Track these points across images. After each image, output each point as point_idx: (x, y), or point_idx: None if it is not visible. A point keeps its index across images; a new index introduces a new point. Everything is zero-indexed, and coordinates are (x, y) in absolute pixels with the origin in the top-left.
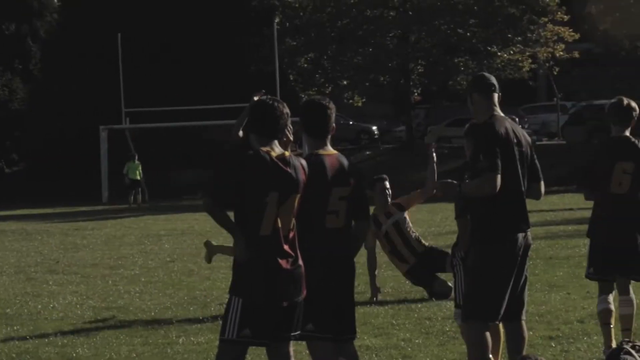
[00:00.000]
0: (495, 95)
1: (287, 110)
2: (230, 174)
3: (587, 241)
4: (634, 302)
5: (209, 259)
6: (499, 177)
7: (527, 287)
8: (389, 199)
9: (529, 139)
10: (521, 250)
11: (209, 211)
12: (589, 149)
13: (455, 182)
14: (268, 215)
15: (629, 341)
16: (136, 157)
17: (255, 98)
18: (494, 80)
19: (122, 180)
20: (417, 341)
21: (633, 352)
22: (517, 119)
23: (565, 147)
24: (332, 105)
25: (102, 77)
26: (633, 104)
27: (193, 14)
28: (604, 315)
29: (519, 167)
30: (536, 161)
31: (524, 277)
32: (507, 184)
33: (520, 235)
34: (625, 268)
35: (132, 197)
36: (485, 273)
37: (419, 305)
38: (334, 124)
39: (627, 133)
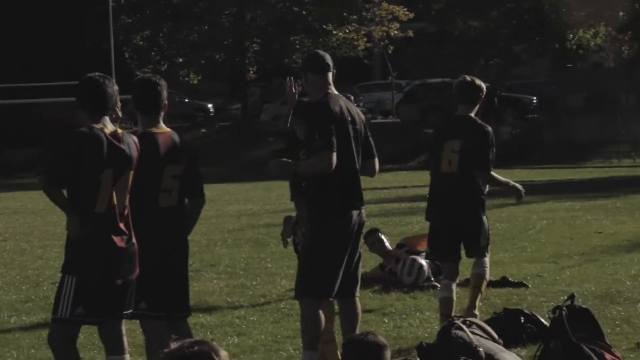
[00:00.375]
0: (330, 74)
1: (115, 87)
2: (64, 152)
3: (421, 218)
4: (485, 271)
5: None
6: (334, 155)
7: (360, 264)
8: (388, 246)
9: (362, 116)
10: (355, 228)
11: (44, 189)
12: (422, 127)
13: (290, 160)
14: (103, 192)
15: (460, 316)
16: None
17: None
18: (328, 58)
19: None
20: (252, 318)
21: (464, 327)
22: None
23: (400, 125)
24: (162, 82)
25: None
26: (479, 82)
27: None
28: (444, 304)
29: (353, 145)
30: (370, 139)
31: (357, 254)
32: (341, 162)
33: (355, 213)
34: (456, 250)
35: None
36: (319, 250)
37: (254, 283)
38: (165, 101)
39: (472, 113)
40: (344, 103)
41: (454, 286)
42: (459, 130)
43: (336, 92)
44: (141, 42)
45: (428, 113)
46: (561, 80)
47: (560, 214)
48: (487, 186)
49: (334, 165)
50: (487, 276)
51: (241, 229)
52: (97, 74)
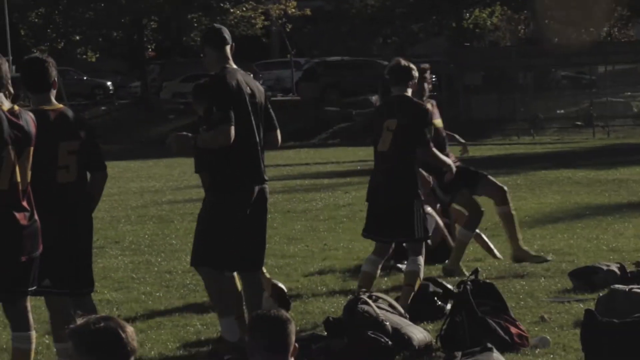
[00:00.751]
0: (227, 48)
1: (6, 64)
2: None
3: (324, 195)
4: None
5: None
6: (232, 128)
7: (264, 240)
8: None
9: (262, 90)
10: (257, 203)
11: None
12: (323, 105)
13: (189, 134)
14: (5, 169)
15: (366, 291)
16: None
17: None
18: (225, 32)
19: None
20: (157, 294)
21: (370, 301)
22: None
23: (300, 103)
24: (50, 60)
25: None
26: (411, 65)
27: None
28: (364, 278)
29: (252, 118)
30: (271, 111)
31: (260, 230)
32: (240, 136)
33: (256, 188)
34: (386, 230)
35: None
36: (216, 222)
37: (159, 259)
38: (55, 79)
39: (408, 93)
40: (241, 77)
41: (378, 263)
42: (395, 110)
43: (234, 66)
44: (37, 20)
45: (327, 91)
46: (458, 59)
47: None
48: (432, 180)
49: (232, 138)
50: (421, 274)
51: (144, 206)
52: None
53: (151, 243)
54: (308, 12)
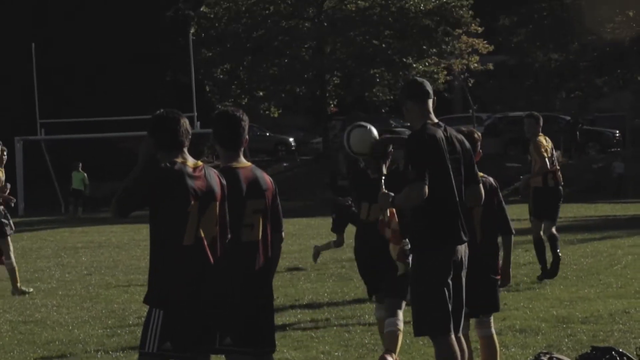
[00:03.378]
0: (430, 101)
1: (186, 120)
2: (144, 186)
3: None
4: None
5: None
6: (425, 187)
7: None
8: None
9: (467, 144)
10: (458, 262)
11: (113, 211)
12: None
13: (390, 193)
14: (190, 225)
15: (546, 352)
16: (80, 166)
17: None
18: (427, 85)
19: (38, 190)
20: (336, 354)
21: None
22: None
23: (482, 159)
24: (245, 117)
25: (17, 88)
26: None
27: (109, 24)
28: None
29: (452, 175)
30: (474, 165)
31: (461, 293)
32: (440, 193)
33: (459, 248)
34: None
35: (72, 207)
36: (424, 283)
37: (338, 318)
38: (247, 136)
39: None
40: (442, 132)
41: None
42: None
43: (436, 120)
44: (222, 76)
45: (510, 146)
46: None
47: None
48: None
49: (424, 197)
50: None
51: (324, 263)
52: (166, 110)
53: (330, 301)
54: (490, 66)
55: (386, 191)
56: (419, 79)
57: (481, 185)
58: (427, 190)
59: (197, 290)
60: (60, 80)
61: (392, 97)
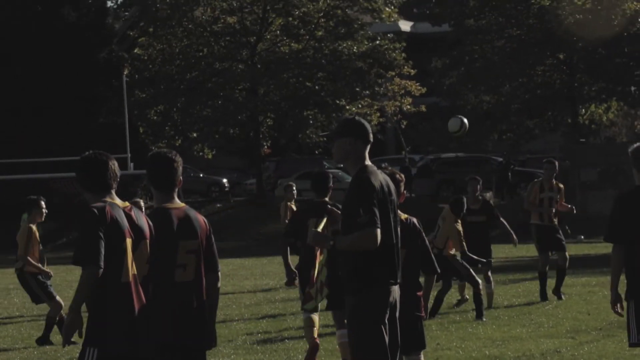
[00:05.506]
0: (368, 146)
1: (114, 162)
2: (98, 233)
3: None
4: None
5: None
6: (379, 231)
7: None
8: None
9: (393, 187)
10: (393, 303)
11: (94, 281)
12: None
13: (327, 235)
14: (126, 262)
15: None
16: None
17: None
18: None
19: None
20: None
21: None
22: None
23: (414, 200)
24: (178, 158)
25: None
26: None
27: (44, 66)
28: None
29: (392, 218)
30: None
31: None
32: (382, 236)
33: (394, 288)
34: None
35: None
36: (368, 321)
37: (272, 359)
38: (180, 177)
39: None
40: (381, 175)
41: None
42: None
43: (371, 164)
44: (155, 117)
45: (442, 187)
46: (575, 155)
47: (577, 289)
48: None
49: (378, 242)
50: None
51: (258, 304)
52: (94, 152)
53: (264, 341)
54: (423, 108)
55: (323, 232)
56: (360, 119)
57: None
58: (379, 235)
59: (133, 329)
60: None
61: (325, 139)
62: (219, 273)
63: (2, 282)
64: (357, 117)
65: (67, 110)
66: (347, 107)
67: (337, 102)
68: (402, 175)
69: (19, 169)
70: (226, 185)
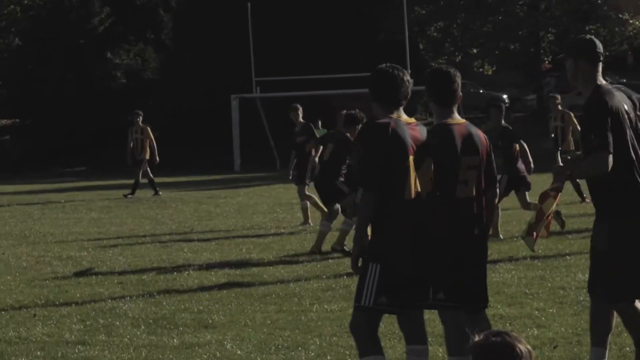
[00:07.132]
0: (600, 64)
1: (407, 77)
2: (377, 151)
3: None
4: None
5: None
6: (610, 156)
7: None
8: None
9: (637, 103)
10: None
11: (371, 204)
12: None
13: (564, 167)
14: (409, 180)
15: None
16: (319, 123)
17: None
18: (601, 47)
19: (253, 147)
20: (550, 310)
21: None
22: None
23: None
24: (458, 74)
25: (232, 47)
26: None
27: None
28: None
29: (629, 139)
30: None
31: None
32: (622, 159)
33: None
34: None
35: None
36: (624, 250)
37: (553, 275)
38: (460, 93)
39: None
40: (619, 95)
41: None
42: None
43: (605, 82)
44: (435, 34)
45: None
46: None
47: None
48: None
49: (610, 167)
50: None
51: None
52: (387, 65)
53: (545, 258)
54: None
55: (561, 164)
56: (594, 39)
57: None
58: (611, 160)
59: (414, 245)
60: (276, 38)
61: (607, 54)
62: (497, 189)
63: (285, 197)
64: (585, 36)
65: (347, 28)
66: (631, 22)
67: (620, 16)
68: None
69: (299, 85)
70: (506, 101)
